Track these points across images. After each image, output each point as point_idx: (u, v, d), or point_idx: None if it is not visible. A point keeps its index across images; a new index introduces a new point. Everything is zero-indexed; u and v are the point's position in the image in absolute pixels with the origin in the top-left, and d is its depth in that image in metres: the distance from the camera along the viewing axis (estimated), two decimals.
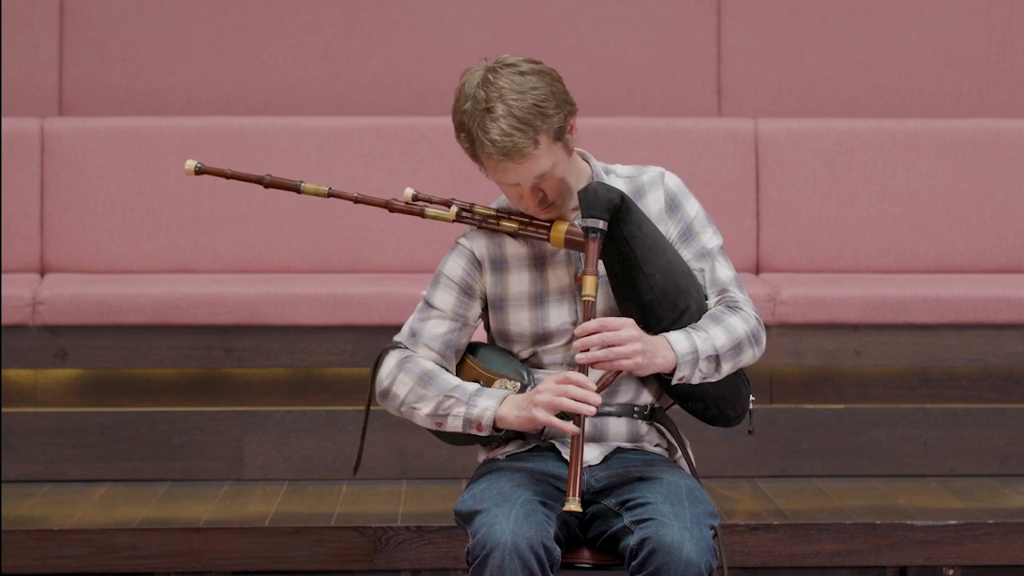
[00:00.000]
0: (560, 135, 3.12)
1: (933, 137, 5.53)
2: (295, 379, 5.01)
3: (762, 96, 5.78)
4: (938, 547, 4.36)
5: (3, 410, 4.86)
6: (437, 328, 3.27)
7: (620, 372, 3.17)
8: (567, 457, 3.18)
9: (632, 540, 3.04)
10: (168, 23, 5.70)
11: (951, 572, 4.41)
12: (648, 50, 5.78)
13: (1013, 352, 5.02)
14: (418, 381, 3.21)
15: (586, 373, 3.11)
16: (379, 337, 4.95)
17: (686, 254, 3.26)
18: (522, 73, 3.10)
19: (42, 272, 5.39)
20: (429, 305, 3.28)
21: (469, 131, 3.10)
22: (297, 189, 3.36)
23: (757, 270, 5.49)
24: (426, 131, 5.49)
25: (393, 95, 5.75)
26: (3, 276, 5.12)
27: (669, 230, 3.27)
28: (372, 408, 3.38)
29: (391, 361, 3.25)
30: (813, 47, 5.79)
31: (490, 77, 3.09)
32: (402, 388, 3.22)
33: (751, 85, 5.79)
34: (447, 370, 3.27)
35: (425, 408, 3.20)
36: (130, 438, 4.89)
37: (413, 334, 3.28)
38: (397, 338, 3.30)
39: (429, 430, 3.28)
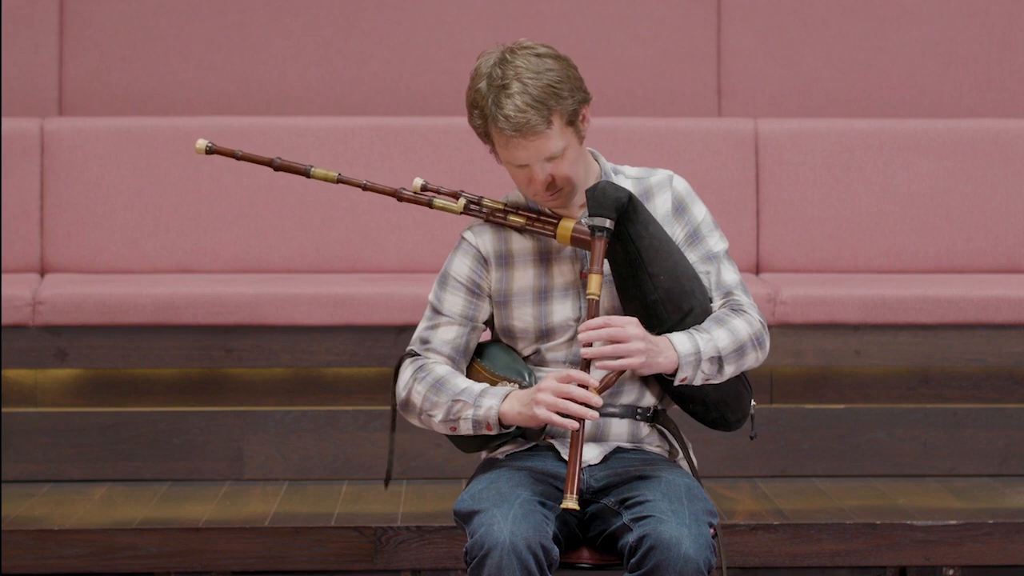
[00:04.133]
0: (573, 119, 3.14)
1: (933, 137, 5.53)
2: (295, 379, 5.01)
3: (762, 96, 5.78)
4: (938, 547, 4.36)
5: (3, 410, 4.86)
6: (446, 334, 3.28)
7: (623, 372, 3.17)
8: (567, 457, 3.19)
9: (631, 537, 3.05)
10: (168, 23, 5.70)
11: (951, 572, 4.41)
12: (648, 50, 5.78)
13: (1013, 352, 5.02)
14: (430, 389, 3.22)
15: (588, 371, 3.11)
16: (379, 337, 4.96)
17: (692, 257, 3.26)
18: (539, 55, 3.13)
19: (42, 272, 5.39)
20: (437, 312, 3.29)
21: (482, 108, 3.12)
22: (307, 173, 3.36)
23: (757, 270, 5.49)
24: (426, 131, 5.49)
25: (393, 95, 5.75)
26: (3, 276, 5.12)
27: (675, 233, 3.27)
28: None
29: (407, 372, 3.27)
30: (813, 47, 5.79)
31: (507, 57, 3.13)
32: (417, 398, 3.24)
33: (751, 85, 5.78)
34: (461, 373, 3.27)
35: (438, 415, 3.21)
36: (130, 438, 4.89)
37: (424, 341, 3.29)
38: (410, 346, 3.30)
39: (449, 438, 3.29)
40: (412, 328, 4.91)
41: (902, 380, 5.07)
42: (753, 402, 3.36)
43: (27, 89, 5.65)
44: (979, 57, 5.79)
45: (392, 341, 4.95)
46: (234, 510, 4.56)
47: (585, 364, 3.12)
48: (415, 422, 3.27)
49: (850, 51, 5.79)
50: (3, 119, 5.43)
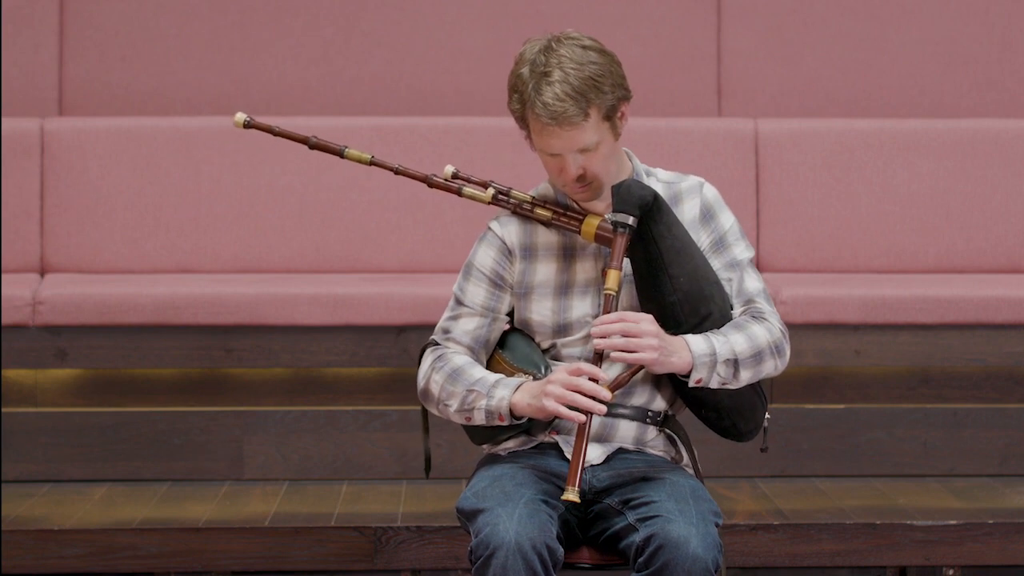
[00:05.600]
0: (611, 115, 3.14)
1: (933, 137, 5.53)
2: (295, 379, 5.01)
3: (762, 96, 5.78)
4: (938, 547, 4.36)
5: (3, 410, 4.86)
6: (467, 325, 3.28)
7: (638, 371, 3.17)
8: (569, 455, 3.18)
9: (638, 537, 3.04)
10: (168, 23, 5.70)
11: (951, 572, 4.42)
12: (648, 50, 5.78)
13: (1013, 352, 5.02)
14: (447, 379, 3.23)
15: (599, 366, 3.11)
16: (379, 337, 4.96)
17: (716, 264, 3.26)
18: (584, 47, 3.14)
19: (42, 272, 5.39)
20: (459, 303, 3.30)
21: (522, 93, 3.13)
22: (341, 154, 3.40)
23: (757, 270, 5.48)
24: (426, 131, 5.49)
25: (393, 95, 5.75)
26: (3, 276, 5.12)
27: (701, 239, 3.27)
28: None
29: (427, 362, 3.28)
30: (813, 47, 5.79)
31: (553, 45, 3.14)
32: (435, 387, 3.24)
33: (751, 85, 5.78)
34: (480, 364, 3.28)
35: (454, 404, 3.22)
36: (130, 438, 4.89)
37: (445, 332, 3.30)
38: (433, 336, 3.32)
39: (464, 429, 3.30)
40: (412, 328, 4.92)
41: (902, 380, 5.07)
42: (768, 415, 3.36)
43: (27, 89, 5.65)
44: (979, 57, 5.79)
45: (392, 341, 4.95)
46: (234, 510, 4.56)
47: (597, 359, 3.12)
48: (434, 411, 3.28)
49: (850, 51, 5.79)
50: (3, 119, 5.43)
